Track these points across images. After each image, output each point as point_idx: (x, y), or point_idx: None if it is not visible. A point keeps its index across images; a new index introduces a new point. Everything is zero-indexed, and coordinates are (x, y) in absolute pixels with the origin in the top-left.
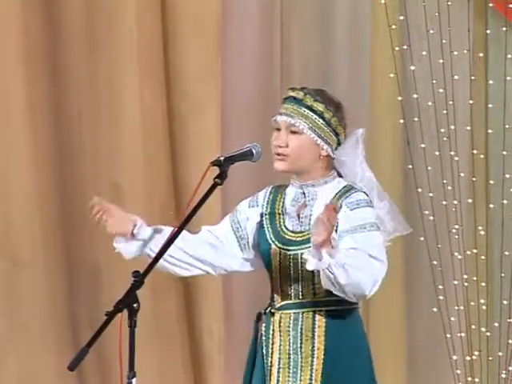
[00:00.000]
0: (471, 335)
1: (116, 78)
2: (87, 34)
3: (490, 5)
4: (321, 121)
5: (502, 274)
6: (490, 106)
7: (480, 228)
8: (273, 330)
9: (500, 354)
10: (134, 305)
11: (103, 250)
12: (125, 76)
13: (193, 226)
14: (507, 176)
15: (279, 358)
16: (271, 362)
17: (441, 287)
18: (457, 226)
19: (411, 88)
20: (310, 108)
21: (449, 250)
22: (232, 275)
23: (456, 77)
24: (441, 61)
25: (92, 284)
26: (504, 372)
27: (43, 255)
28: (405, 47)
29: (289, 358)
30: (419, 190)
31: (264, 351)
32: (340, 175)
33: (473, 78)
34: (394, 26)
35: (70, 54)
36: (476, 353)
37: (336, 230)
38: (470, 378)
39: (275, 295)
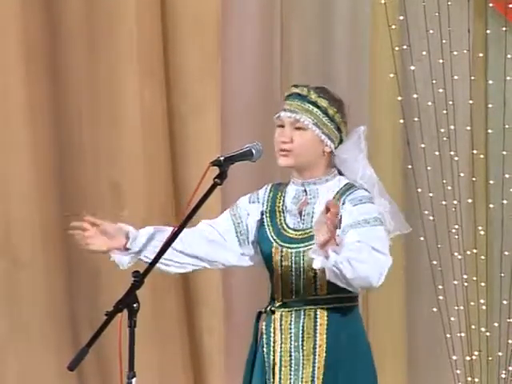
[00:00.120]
0: (471, 335)
1: (116, 78)
2: (87, 34)
3: (490, 5)
4: (325, 117)
5: (502, 274)
6: (489, 105)
7: (480, 228)
8: (273, 328)
9: (500, 354)
10: (134, 305)
11: None
12: (125, 76)
13: (192, 226)
14: (507, 176)
15: (280, 356)
16: (273, 361)
17: (441, 287)
18: (457, 226)
19: (411, 88)
20: (315, 104)
21: (449, 250)
22: (232, 275)
23: (456, 77)
24: (441, 61)
25: (92, 284)
26: (504, 372)
27: (43, 255)
28: (405, 47)
29: (290, 355)
30: (419, 190)
31: (265, 349)
32: (340, 173)
33: (473, 78)
34: (393, 26)
35: (70, 54)
36: (476, 353)
37: (339, 226)
38: (469, 378)
39: (276, 293)
